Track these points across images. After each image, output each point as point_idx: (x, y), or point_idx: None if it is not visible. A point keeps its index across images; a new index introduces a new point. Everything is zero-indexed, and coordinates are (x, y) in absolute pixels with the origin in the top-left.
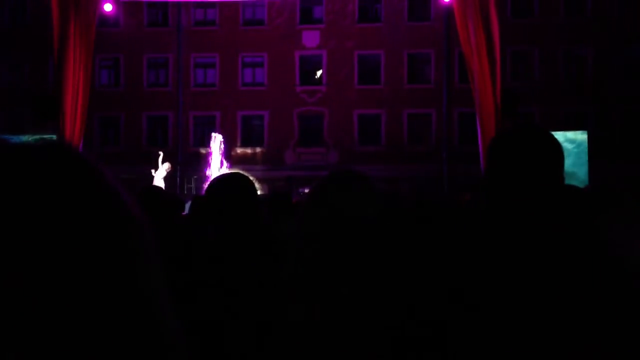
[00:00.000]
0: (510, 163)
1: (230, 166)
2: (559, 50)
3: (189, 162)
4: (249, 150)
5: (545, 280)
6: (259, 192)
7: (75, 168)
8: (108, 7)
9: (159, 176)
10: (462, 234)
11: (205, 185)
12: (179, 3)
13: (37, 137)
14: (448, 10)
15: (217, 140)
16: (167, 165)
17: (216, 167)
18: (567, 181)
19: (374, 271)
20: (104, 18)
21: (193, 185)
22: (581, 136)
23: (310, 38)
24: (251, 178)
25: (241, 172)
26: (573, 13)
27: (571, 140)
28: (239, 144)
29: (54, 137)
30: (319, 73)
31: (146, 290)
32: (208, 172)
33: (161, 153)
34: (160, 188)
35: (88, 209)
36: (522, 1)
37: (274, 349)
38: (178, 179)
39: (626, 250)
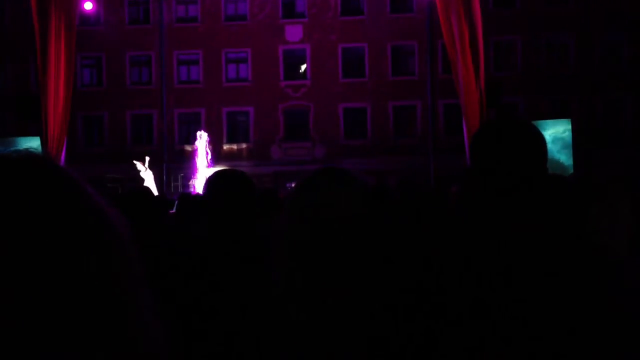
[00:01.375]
0: (493, 155)
1: (213, 164)
2: (541, 39)
3: (175, 160)
4: (234, 147)
5: (531, 272)
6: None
7: (55, 183)
8: (88, 6)
9: (149, 179)
10: (449, 229)
11: (193, 183)
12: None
13: (24, 148)
14: (430, 2)
15: (202, 138)
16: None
17: (202, 164)
18: (552, 169)
19: (363, 275)
20: (84, 16)
21: (179, 182)
22: (565, 125)
23: (294, 32)
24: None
25: (238, 169)
26: (554, 1)
27: (555, 128)
28: (224, 140)
29: (39, 147)
30: (303, 67)
31: (126, 301)
32: (197, 169)
33: (148, 158)
34: (148, 188)
35: (67, 224)
36: None
37: (260, 354)
38: (164, 177)
39: (609, 238)
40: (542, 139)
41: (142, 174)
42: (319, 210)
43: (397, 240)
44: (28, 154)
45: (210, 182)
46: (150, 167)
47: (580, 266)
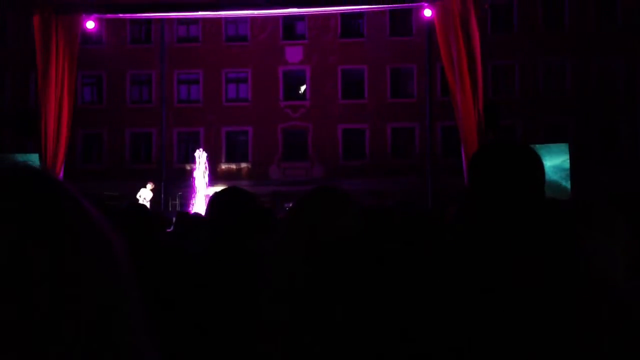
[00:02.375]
0: (491, 178)
1: (212, 183)
2: (538, 63)
3: (173, 178)
4: (233, 166)
5: (527, 295)
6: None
7: (52, 195)
8: (90, 25)
9: (147, 197)
10: (446, 251)
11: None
12: (161, 20)
13: (22, 161)
14: (429, 26)
15: (201, 157)
16: (149, 186)
17: (201, 184)
18: (551, 192)
19: (360, 296)
20: (86, 35)
21: (177, 202)
22: (563, 149)
23: (294, 53)
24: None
25: (242, 188)
26: (551, 26)
27: (553, 152)
28: (223, 159)
29: (37, 162)
30: (302, 88)
31: (119, 322)
32: (196, 188)
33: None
34: (145, 206)
35: (60, 236)
36: (501, 16)
37: None
38: (162, 195)
39: (605, 263)
40: (539, 162)
41: (143, 195)
42: (314, 231)
43: (392, 262)
44: (26, 166)
45: (213, 199)
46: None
47: (575, 290)
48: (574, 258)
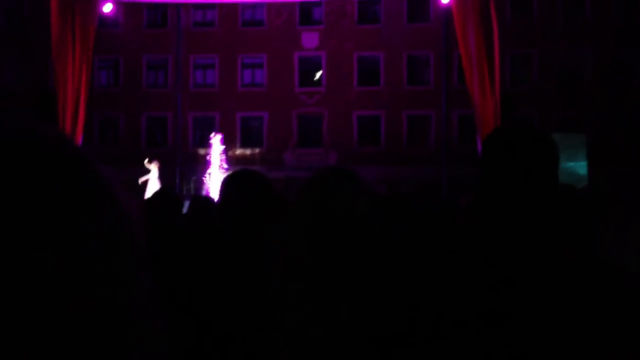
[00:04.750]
0: (504, 161)
1: (226, 168)
2: (558, 53)
3: (188, 163)
4: (248, 151)
5: (539, 283)
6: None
7: (70, 160)
8: (107, 8)
9: (154, 176)
10: (457, 234)
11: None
12: (178, 4)
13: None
14: (447, 12)
15: (216, 142)
16: (154, 164)
17: (215, 168)
18: (568, 181)
19: (368, 277)
20: (103, 19)
21: (192, 186)
22: (579, 139)
23: (310, 39)
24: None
25: (254, 170)
26: (572, 16)
27: (570, 142)
28: (238, 144)
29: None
30: (318, 74)
31: (129, 296)
32: (207, 173)
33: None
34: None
35: (79, 204)
36: (521, 4)
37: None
38: (177, 179)
39: (618, 251)
40: (553, 146)
41: (151, 174)
42: (322, 211)
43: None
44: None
45: (225, 181)
46: (163, 169)
47: (589, 280)
48: (590, 247)
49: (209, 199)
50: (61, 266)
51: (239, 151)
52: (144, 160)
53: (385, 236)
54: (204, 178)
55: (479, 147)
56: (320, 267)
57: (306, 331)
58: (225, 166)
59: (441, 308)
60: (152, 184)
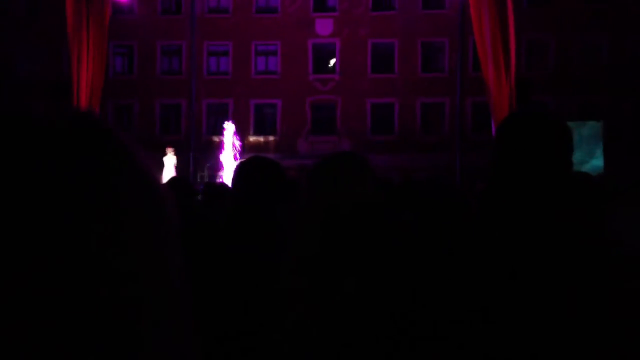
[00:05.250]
0: (518, 146)
1: (240, 156)
2: (574, 39)
3: (202, 150)
4: (261, 139)
5: (551, 271)
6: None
7: (108, 139)
8: None
9: (170, 163)
10: (468, 222)
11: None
12: None
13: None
14: None
15: (229, 129)
16: (170, 152)
17: (229, 155)
18: (583, 169)
19: (376, 263)
20: (118, 5)
21: (206, 173)
22: (596, 126)
23: (324, 26)
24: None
25: (267, 157)
26: (590, 1)
27: (586, 129)
28: (251, 132)
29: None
30: (332, 61)
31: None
32: (224, 160)
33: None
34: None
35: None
36: None
37: (273, 344)
38: (191, 166)
39: (632, 239)
40: (567, 132)
41: (167, 161)
42: (330, 197)
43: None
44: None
45: (238, 168)
46: (177, 156)
47: (600, 268)
48: (602, 236)
49: (222, 185)
50: (101, 241)
51: (252, 138)
52: (164, 148)
53: (396, 225)
54: (217, 165)
55: (494, 133)
56: (327, 256)
57: (308, 325)
58: (239, 154)
59: (451, 302)
60: (168, 172)
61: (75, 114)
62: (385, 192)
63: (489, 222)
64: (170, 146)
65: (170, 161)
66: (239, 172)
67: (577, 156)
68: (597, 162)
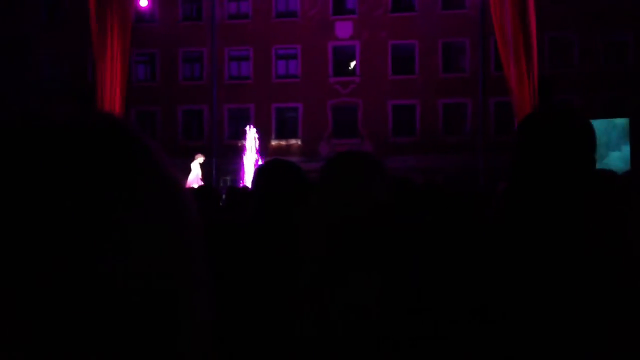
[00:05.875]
0: (539, 144)
1: (262, 160)
2: (598, 36)
3: (224, 154)
4: (283, 143)
5: (572, 271)
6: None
7: (132, 143)
8: (144, 3)
9: (197, 171)
10: (488, 222)
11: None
12: None
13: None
14: None
15: (251, 134)
16: (200, 159)
17: (251, 160)
18: (607, 166)
19: (382, 264)
20: (140, 13)
21: (228, 177)
22: (622, 124)
23: (344, 29)
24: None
25: (287, 160)
26: None
27: (612, 127)
28: (273, 136)
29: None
30: (352, 64)
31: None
32: (246, 164)
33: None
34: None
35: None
36: None
37: (287, 346)
38: (214, 171)
39: None
40: (589, 129)
41: (194, 169)
42: (340, 199)
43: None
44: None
45: (258, 170)
46: (200, 164)
47: (621, 268)
48: (620, 235)
49: (244, 189)
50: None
51: (274, 142)
52: (187, 154)
53: (404, 226)
54: (239, 170)
55: (515, 131)
56: (335, 257)
57: (320, 326)
58: (260, 158)
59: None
60: (192, 179)
61: (99, 117)
62: (404, 193)
63: (510, 222)
64: (199, 152)
65: (196, 166)
66: (258, 174)
67: (602, 153)
68: (623, 159)
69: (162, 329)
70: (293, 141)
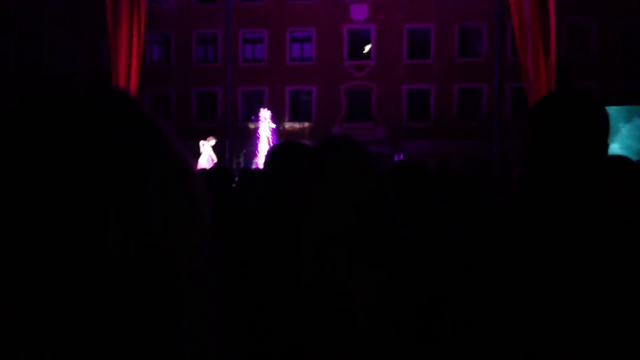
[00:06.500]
0: (551, 128)
1: (275, 142)
2: (616, 22)
3: (238, 137)
4: (296, 125)
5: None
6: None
7: (141, 119)
8: None
9: (208, 152)
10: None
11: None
12: None
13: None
14: None
15: (265, 116)
16: (212, 141)
17: (264, 142)
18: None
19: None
20: None
21: (242, 159)
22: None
23: (359, 11)
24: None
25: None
26: None
27: (631, 114)
28: (287, 119)
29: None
30: (367, 47)
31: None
32: (259, 147)
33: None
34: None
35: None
36: None
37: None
38: (227, 153)
39: None
40: (602, 114)
41: (204, 149)
42: (327, 192)
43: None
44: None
45: (270, 152)
46: (213, 147)
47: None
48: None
49: (257, 171)
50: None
51: (287, 125)
52: (201, 136)
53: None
54: (252, 152)
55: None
56: (337, 253)
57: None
58: (273, 140)
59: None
60: (203, 161)
61: (113, 94)
62: (417, 179)
63: (525, 208)
64: (212, 135)
65: (208, 148)
66: (271, 156)
67: (620, 140)
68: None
69: (167, 305)
70: (306, 124)
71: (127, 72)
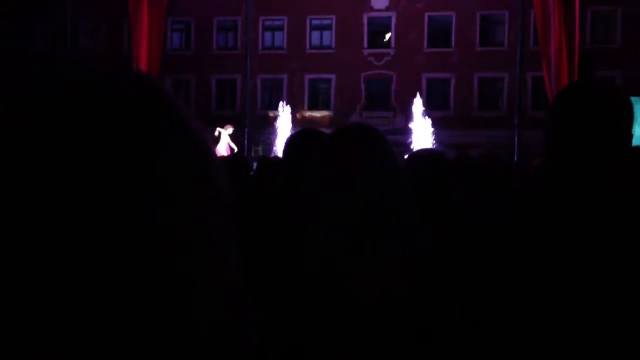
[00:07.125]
0: (574, 118)
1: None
2: None
3: (257, 125)
4: (316, 114)
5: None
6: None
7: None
8: None
9: (225, 136)
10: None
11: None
12: None
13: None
14: None
15: (284, 105)
16: (229, 129)
17: (283, 130)
18: None
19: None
20: None
21: (260, 148)
22: None
23: (380, 0)
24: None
25: (318, 129)
26: None
27: None
28: (306, 107)
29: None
30: (387, 36)
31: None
32: (279, 135)
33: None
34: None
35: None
36: None
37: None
38: (245, 141)
39: None
40: (627, 104)
41: (224, 136)
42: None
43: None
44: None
45: (289, 140)
46: (230, 135)
47: None
48: None
49: (276, 159)
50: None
51: (307, 113)
52: (220, 123)
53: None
54: (271, 140)
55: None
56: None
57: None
58: (292, 129)
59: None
60: (222, 149)
61: (132, 76)
62: (436, 168)
63: (547, 199)
64: (229, 123)
65: (225, 136)
66: (289, 144)
67: None
68: None
69: (184, 282)
70: (326, 112)
71: (148, 58)
